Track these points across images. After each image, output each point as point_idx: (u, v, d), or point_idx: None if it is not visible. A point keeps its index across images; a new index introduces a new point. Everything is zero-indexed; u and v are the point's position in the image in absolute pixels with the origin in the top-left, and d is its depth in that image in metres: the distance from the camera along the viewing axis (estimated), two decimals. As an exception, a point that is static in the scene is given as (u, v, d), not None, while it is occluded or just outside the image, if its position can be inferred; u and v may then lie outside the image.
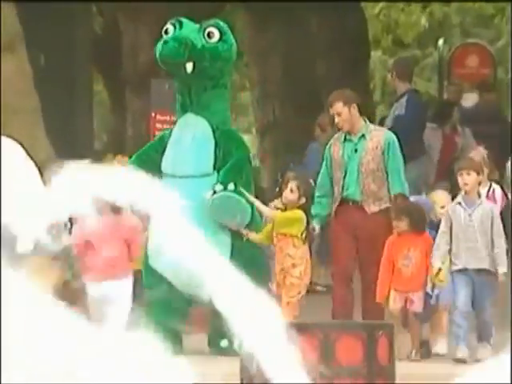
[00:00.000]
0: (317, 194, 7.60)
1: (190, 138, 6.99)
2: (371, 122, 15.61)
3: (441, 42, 19.55)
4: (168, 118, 10.15)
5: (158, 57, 6.91)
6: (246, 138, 12.65)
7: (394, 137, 7.81)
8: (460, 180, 7.17)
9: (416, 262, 7.14)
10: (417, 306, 7.07)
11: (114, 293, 6.57)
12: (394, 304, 7.12)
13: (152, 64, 14.12)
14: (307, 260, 7.25)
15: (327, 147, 7.92)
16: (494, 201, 7.95)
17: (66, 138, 11.77)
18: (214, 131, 7.04)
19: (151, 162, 6.78)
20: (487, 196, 7.89)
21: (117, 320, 5.83)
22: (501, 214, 7.51)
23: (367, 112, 16.33)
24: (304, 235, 7.12)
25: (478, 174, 7.24)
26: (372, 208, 7.54)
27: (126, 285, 6.70)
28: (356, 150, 7.64)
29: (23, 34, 10.36)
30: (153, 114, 10.53)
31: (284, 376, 2.12)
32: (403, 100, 11.04)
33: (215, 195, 6.67)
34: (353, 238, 7.57)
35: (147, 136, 10.34)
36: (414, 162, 9.92)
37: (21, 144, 3.47)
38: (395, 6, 21.54)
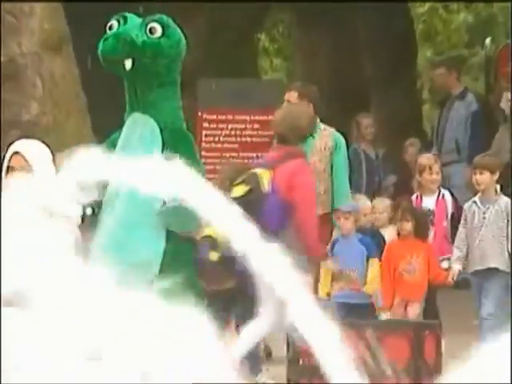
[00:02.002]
0: None
1: (137, 137, 6.57)
2: (419, 121, 15.07)
3: (488, 41, 19.12)
4: (215, 117, 10.07)
5: (99, 54, 6.53)
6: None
7: (342, 138, 7.37)
8: (474, 179, 6.98)
9: (420, 270, 6.84)
10: (417, 313, 6.81)
11: None
12: (396, 310, 6.83)
13: (198, 63, 13.96)
14: None
15: None
16: (445, 207, 7.49)
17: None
18: (161, 130, 6.59)
19: None
20: (436, 202, 7.46)
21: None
22: (451, 218, 7.26)
23: (414, 111, 16.02)
24: None
25: (492, 173, 6.94)
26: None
27: None
28: None
29: (70, 35, 10.24)
30: (199, 114, 10.28)
31: (336, 376, 1.92)
32: (469, 98, 10.77)
33: (164, 206, 6.05)
34: None
35: (194, 135, 10.27)
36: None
37: (70, 145, 3.23)
38: (441, 6, 21.14)
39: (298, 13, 15.44)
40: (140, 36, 6.49)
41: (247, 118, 10.07)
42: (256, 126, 9.82)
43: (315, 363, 2.00)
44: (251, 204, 5.65)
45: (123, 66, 6.48)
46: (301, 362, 5.14)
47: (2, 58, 10.26)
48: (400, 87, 14.87)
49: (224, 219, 2.11)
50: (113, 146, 6.55)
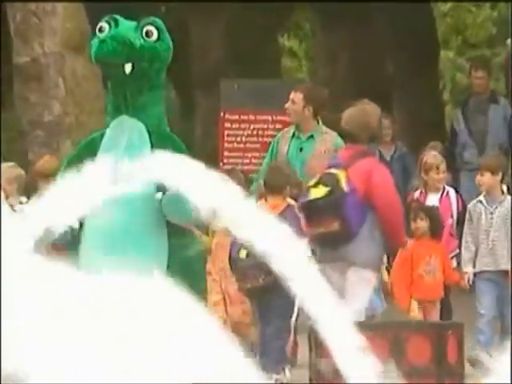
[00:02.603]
0: (255, 183, 7.33)
1: (124, 141, 6.45)
2: (440, 120, 14.84)
3: (509, 41, 18.94)
4: (237, 117, 10.08)
5: (93, 56, 6.39)
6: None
7: (341, 140, 7.27)
8: (476, 180, 7.05)
9: (438, 270, 6.74)
10: (435, 315, 6.73)
11: None
12: (416, 313, 6.70)
13: (221, 64, 13.86)
14: None
15: (276, 140, 7.59)
16: (449, 204, 7.40)
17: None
18: (150, 134, 6.50)
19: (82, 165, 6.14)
20: (440, 200, 7.36)
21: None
22: (457, 218, 7.20)
23: (436, 112, 15.82)
24: None
25: (494, 174, 6.88)
26: None
27: None
28: (301, 149, 7.25)
29: (92, 35, 10.18)
30: (222, 114, 10.29)
31: (357, 376, 2.05)
32: (502, 101, 10.65)
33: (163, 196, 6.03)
34: None
35: (216, 135, 10.23)
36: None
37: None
38: (463, 6, 20.95)
39: (320, 13, 15.34)
40: (138, 39, 6.41)
41: (269, 118, 10.05)
42: (278, 126, 9.74)
43: (337, 367, 2.02)
44: (333, 204, 5.81)
45: (122, 69, 6.39)
46: (322, 365, 5.12)
47: (26, 59, 10.23)
48: (422, 88, 14.72)
49: (255, 225, 2.03)
50: (93, 146, 6.44)
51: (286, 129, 7.81)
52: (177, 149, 6.71)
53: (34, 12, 10.13)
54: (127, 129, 6.58)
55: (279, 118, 9.76)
